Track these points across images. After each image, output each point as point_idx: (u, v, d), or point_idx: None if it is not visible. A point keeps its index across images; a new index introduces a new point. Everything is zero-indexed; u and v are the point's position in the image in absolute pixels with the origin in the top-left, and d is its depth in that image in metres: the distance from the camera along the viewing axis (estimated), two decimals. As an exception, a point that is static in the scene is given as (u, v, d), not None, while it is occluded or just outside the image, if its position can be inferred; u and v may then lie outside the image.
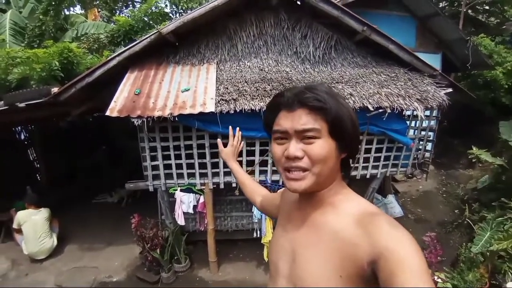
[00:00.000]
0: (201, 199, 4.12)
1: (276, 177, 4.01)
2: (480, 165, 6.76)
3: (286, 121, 0.80)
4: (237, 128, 1.42)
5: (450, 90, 3.88)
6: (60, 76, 5.18)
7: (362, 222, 0.73)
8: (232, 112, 3.35)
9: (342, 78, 4.02)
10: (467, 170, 7.18)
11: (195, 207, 4.12)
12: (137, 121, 3.32)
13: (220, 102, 3.43)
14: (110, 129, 9.30)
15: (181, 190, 4.03)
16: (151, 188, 4.03)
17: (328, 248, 0.76)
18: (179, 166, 3.93)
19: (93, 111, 7.85)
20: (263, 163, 3.94)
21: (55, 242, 4.73)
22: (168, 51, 4.15)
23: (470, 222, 4.14)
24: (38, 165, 7.33)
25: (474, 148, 5.10)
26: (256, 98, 3.46)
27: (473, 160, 6.03)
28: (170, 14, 9.57)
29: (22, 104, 3.86)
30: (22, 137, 7.38)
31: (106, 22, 10.36)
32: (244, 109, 3.34)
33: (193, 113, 3.32)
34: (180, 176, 3.99)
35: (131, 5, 12.67)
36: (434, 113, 4.18)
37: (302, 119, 0.77)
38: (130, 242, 4.66)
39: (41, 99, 3.88)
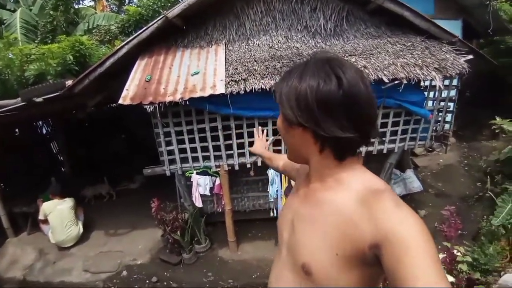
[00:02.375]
0: (217, 181, 4.18)
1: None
2: (504, 135, 6.46)
3: None
4: (260, 128, 1.72)
5: (470, 56, 3.66)
6: (74, 69, 5.30)
7: (365, 201, 0.69)
8: (242, 92, 3.32)
9: (355, 50, 3.86)
10: (490, 142, 6.89)
11: (211, 189, 4.19)
12: (149, 108, 3.36)
13: (230, 83, 3.40)
14: (128, 118, 9.49)
15: (197, 173, 4.09)
16: (167, 173, 4.11)
17: (326, 223, 0.74)
18: (193, 150, 3.97)
19: (109, 101, 8.02)
20: (277, 143, 3.92)
21: (81, 230, 4.95)
22: (176, 35, 4.12)
23: (492, 195, 3.99)
24: (61, 157, 7.62)
25: (497, 119, 4.86)
26: (266, 76, 3.40)
27: (497, 131, 5.78)
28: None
29: (39, 99, 3.95)
30: (44, 131, 7.66)
31: (116, 13, 10.40)
32: (255, 89, 3.30)
33: (204, 96, 3.32)
34: (195, 159, 4.05)
35: (139, -7, 12.58)
36: (454, 82, 3.98)
37: None
38: (152, 225, 4.82)
39: (56, 93, 3.97)
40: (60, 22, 6.70)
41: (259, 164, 4.08)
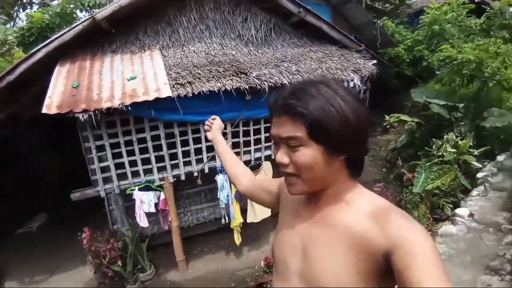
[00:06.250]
0: (162, 196, 3.86)
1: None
2: (393, 129, 7.91)
3: (274, 128, 0.79)
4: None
5: (375, 61, 4.47)
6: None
7: (375, 216, 0.72)
8: (190, 95, 3.23)
9: (285, 57, 4.23)
10: (383, 136, 8.30)
11: (156, 205, 3.84)
12: (82, 116, 2.93)
13: (175, 86, 3.27)
14: (22, 142, 7.82)
15: (139, 189, 3.70)
16: (102, 194, 3.62)
17: (342, 244, 0.74)
18: (133, 164, 3.60)
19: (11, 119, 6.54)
20: (235, 134, 3.91)
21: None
22: (102, 40, 3.74)
23: (406, 172, 4.82)
24: None
25: (387, 117, 5.93)
26: (212, 79, 3.41)
27: (387, 127, 7.05)
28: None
29: None
30: None
31: (4, 25, 8.90)
32: (203, 91, 3.26)
33: (148, 100, 3.10)
34: (135, 174, 3.67)
35: (29, 8, 11.07)
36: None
37: (284, 127, 0.75)
38: (78, 265, 4.15)
39: None
40: None
41: (206, 171, 3.97)
